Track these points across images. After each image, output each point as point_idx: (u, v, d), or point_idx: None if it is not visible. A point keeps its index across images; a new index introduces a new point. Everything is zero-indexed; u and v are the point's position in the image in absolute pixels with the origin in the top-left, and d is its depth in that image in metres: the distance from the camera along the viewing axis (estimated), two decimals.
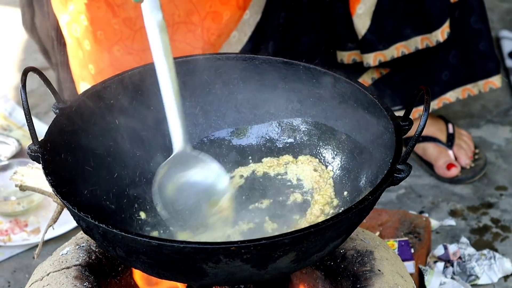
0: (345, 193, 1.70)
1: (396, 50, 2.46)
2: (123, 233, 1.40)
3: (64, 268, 1.69)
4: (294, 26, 2.44)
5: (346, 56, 2.51)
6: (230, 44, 2.37)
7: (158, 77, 1.61)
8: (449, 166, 2.57)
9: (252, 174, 1.78)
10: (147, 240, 1.40)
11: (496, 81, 2.57)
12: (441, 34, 2.44)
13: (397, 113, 1.62)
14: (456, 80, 2.56)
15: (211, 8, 2.27)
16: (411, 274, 2.07)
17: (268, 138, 1.82)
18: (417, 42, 2.45)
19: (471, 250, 2.23)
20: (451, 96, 2.57)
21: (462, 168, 2.59)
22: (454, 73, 2.55)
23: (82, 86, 2.39)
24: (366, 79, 2.55)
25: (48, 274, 1.69)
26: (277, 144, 1.80)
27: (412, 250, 2.14)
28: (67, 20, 2.32)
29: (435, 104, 2.56)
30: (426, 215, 2.36)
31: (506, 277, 2.23)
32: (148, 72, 1.76)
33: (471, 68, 2.55)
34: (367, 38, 2.44)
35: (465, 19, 2.49)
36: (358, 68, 2.52)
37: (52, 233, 2.33)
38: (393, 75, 2.55)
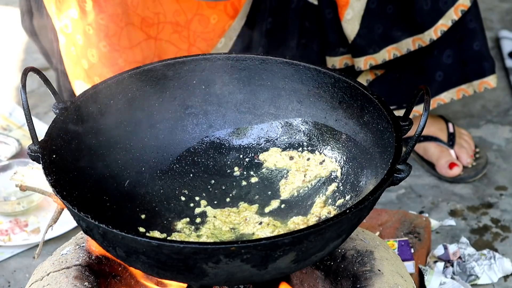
0: (345, 193, 1.70)
1: (388, 53, 2.45)
2: (123, 233, 1.40)
3: (64, 268, 1.69)
4: (282, 31, 2.43)
5: (338, 61, 2.50)
6: (216, 49, 2.36)
7: None
8: (451, 165, 2.56)
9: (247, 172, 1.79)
10: (147, 240, 1.40)
11: (491, 81, 2.56)
12: (434, 32, 2.44)
13: None
14: (451, 80, 2.55)
15: (198, 10, 2.27)
16: (411, 274, 2.07)
17: (268, 138, 1.82)
18: (409, 44, 2.44)
19: (471, 250, 2.23)
20: (445, 97, 2.56)
21: (464, 167, 2.59)
22: (448, 74, 2.53)
23: (77, 84, 2.39)
24: (361, 81, 2.55)
25: (48, 274, 1.69)
26: (277, 145, 1.80)
27: (412, 250, 2.14)
28: (58, 16, 2.33)
29: None
30: (426, 215, 2.36)
31: (506, 277, 2.23)
32: (147, 72, 1.76)
33: (466, 68, 2.54)
34: (356, 43, 2.43)
35: (460, 18, 2.48)
36: (351, 72, 2.51)
37: (52, 233, 2.33)
38: (387, 76, 2.55)
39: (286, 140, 1.81)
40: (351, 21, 2.40)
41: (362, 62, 2.44)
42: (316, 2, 2.42)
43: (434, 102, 2.56)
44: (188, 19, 2.27)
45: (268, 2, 2.38)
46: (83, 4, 2.26)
